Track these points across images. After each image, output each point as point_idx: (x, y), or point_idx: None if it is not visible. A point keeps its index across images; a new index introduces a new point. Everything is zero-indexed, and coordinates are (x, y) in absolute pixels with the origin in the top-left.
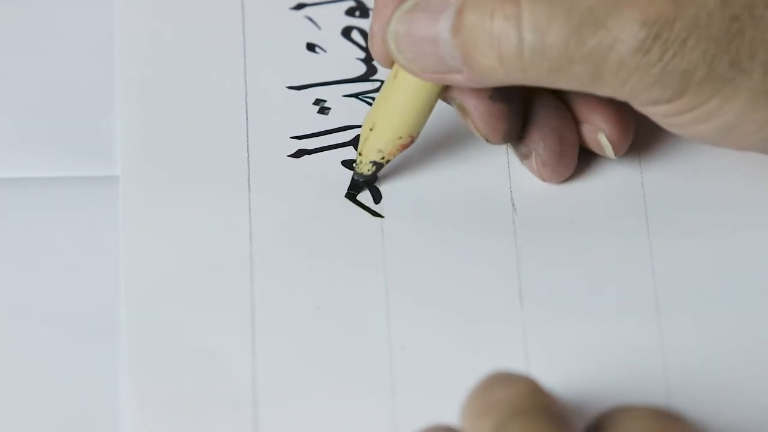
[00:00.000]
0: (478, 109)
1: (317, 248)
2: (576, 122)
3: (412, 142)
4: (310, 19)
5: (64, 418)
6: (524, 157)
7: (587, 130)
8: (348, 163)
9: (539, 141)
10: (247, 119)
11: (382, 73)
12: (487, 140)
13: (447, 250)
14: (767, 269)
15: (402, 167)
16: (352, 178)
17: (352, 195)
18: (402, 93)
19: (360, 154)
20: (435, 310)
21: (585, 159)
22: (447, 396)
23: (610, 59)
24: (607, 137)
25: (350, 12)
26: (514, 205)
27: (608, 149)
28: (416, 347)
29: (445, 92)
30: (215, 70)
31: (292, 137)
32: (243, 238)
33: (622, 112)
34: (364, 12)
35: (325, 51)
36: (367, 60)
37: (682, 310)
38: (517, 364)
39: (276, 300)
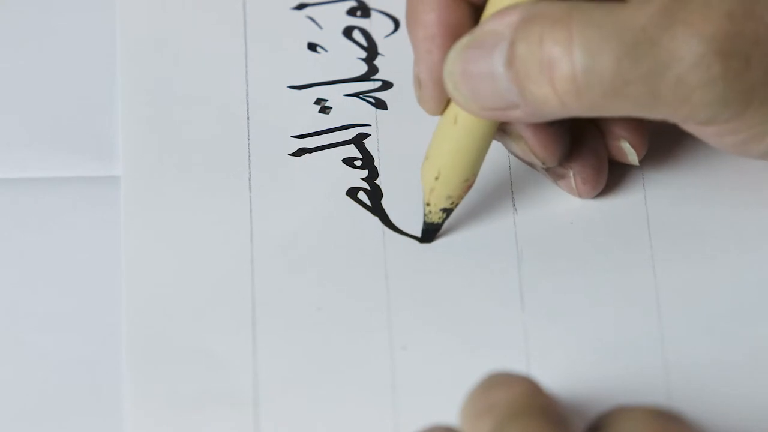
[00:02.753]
0: (535, 134)
1: (318, 247)
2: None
3: (474, 180)
4: (311, 18)
5: (64, 418)
6: (559, 177)
7: (609, 140)
8: (349, 161)
9: (577, 160)
10: (248, 118)
11: (382, 72)
12: (543, 164)
13: (448, 251)
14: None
15: (403, 167)
16: (424, 229)
17: (425, 241)
18: (464, 137)
19: (428, 204)
20: (436, 311)
21: None
22: (447, 396)
23: (668, 77)
24: (629, 143)
25: (351, 12)
26: (515, 206)
27: (632, 156)
28: (417, 347)
29: (506, 134)
30: (217, 71)
31: (293, 136)
32: (244, 237)
33: (637, 118)
34: (365, 12)
35: (326, 50)
36: (368, 59)
37: (682, 311)
38: (518, 364)
39: (277, 300)
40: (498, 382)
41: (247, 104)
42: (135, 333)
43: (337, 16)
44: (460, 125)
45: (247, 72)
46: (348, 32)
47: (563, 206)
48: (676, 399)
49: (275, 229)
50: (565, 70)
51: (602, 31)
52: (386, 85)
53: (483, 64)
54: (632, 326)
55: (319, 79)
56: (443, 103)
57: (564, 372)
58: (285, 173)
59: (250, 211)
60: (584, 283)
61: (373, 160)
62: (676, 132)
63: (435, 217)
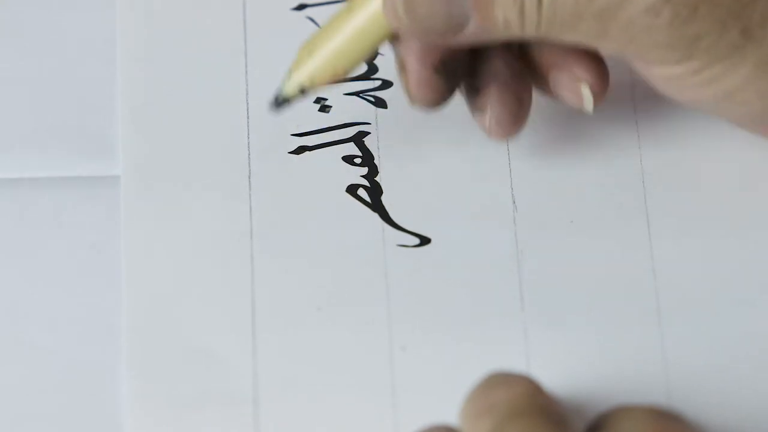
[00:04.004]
0: (416, 73)
1: (318, 246)
2: (543, 76)
3: (343, 76)
4: (311, 19)
5: (64, 418)
6: (477, 109)
7: (565, 80)
8: (349, 159)
9: (498, 99)
10: (248, 117)
11: (383, 71)
12: (411, 103)
13: (448, 250)
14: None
15: (404, 165)
16: (275, 96)
17: (272, 110)
18: (350, 26)
19: (290, 72)
20: (435, 310)
21: (585, 158)
22: (447, 396)
23: (620, 18)
24: (590, 88)
25: None
26: (515, 203)
27: (588, 101)
28: (416, 347)
29: (393, 43)
30: (216, 70)
31: (293, 134)
32: (244, 236)
33: (603, 64)
34: None
35: None
36: (368, 59)
37: (683, 310)
38: (518, 364)
39: (276, 299)
40: (498, 381)
41: (247, 104)
42: (135, 333)
43: None
44: (351, 12)
45: (247, 72)
46: None
47: (563, 205)
48: (675, 399)
49: (275, 227)
50: (534, 1)
51: None
52: (386, 84)
53: None
54: (632, 326)
55: None
56: None
57: (564, 372)
58: (285, 171)
59: (250, 209)
60: (584, 282)
61: (373, 158)
62: (677, 133)
63: (290, 90)
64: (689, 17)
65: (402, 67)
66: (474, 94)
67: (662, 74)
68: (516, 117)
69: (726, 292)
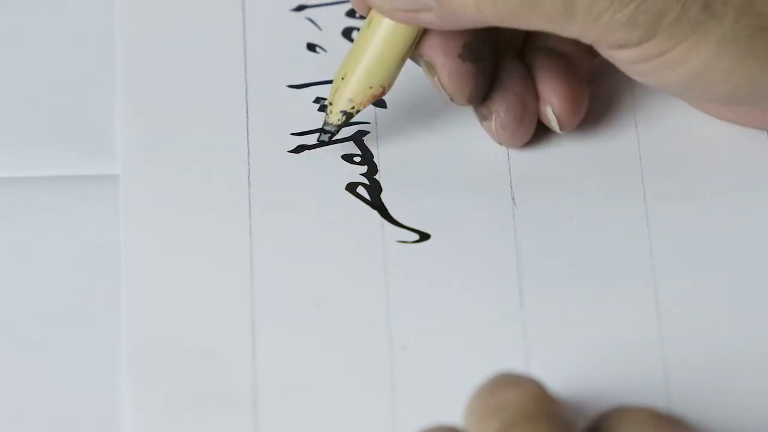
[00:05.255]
0: (446, 66)
1: (317, 245)
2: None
3: (383, 93)
4: (310, 20)
5: (64, 418)
6: (483, 118)
7: (540, 103)
8: (348, 157)
9: (502, 104)
10: (247, 117)
11: None
12: (452, 99)
13: (447, 248)
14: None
15: (403, 159)
16: (322, 128)
17: (322, 143)
18: (374, 41)
19: (331, 104)
20: (435, 309)
21: (585, 156)
22: (447, 396)
23: None
24: (553, 111)
25: (351, 13)
26: (514, 200)
27: (554, 122)
28: (416, 347)
29: (414, 50)
30: (216, 69)
31: (292, 134)
32: (243, 235)
33: (573, 89)
34: None
35: (325, 51)
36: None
37: (683, 310)
38: (517, 363)
39: (276, 298)
40: (505, 382)
41: (247, 103)
42: (135, 333)
43: (336, 18)
44: (372, 29)
45: (246, 72)
46: (347, 33)
47: (563, 201)
48: (675, 399)
49: (274, 226)
50: None
51: None
52: None
53: None
54: (632, 325)
55: (319, 79)
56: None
57: (563, 371)
58: (284, 170)
59: (250, 208)
60: (584, 281)
61: (372, 156)
62: (677, 134)
63: (334, 119)
64: None
65: (430, 68)
66: (480, 103)
67: (627, 57)
68: (521, 121)
69: (726, 291)
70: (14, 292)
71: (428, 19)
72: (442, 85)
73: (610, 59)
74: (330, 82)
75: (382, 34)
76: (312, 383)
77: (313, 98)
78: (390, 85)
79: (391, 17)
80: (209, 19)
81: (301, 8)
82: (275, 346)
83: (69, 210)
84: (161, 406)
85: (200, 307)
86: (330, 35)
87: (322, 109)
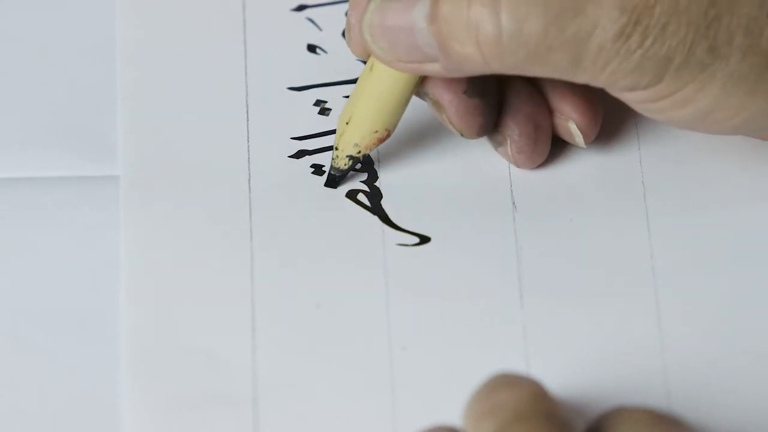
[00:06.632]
0: (453, 104)
1: (317, 248)
2: (549, 110)
3: (388, 135)
4: (311, 20)
5: (64, 418)
6: (498, 144)
7: (557, 119)
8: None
9: (514, 128)
10: (247, 120)
11: None
12: (462, 135)
13: (447, 249)
14: None
15: (402, 165)
16: (329, 173)
17: (330, 188)
18: (378, 86)
19: (336, 149)
20: (435, 310)
21: (585, 158)
22: (447, 396)
23: (590, 46)
24: (577, 126)
25: None
26: (514, 203)
27: (579, 138)
28: (416, 347)
29: (419, 87)
30: (216, 71)
31: (292, 138)
32: (243, 238)
33: (590, 101)
34: None
35: (325, 52)
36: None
37: (682, 311)
38: (517, 363)
39: (276, 299)
40: (503, 383)
41: (247, 106)
42: (135, 333)
43: (336, 18)
44: (375, 74)
45: (246, 73)
46: None
47: (563, 204)
48: (675, 399)
49: (275, 229)
50: (490, 33)
51: None
52: None
53: (402, 17)
54: (632, 326)
55: (319, 81)
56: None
57: (563, 372)
58: (284, 174)
59: (250, 211)
60: (584, 281)
61: (372, 163)
62: (678, 135)
63: (341, 163)
64: (659, 37)
65: (438, 106)
66: (493, 130)
67: (636, 98)
68: (537, 142)
69: (726, 291)
70: (14, 292)
71: (433, 69)
72: (451, 122)
73: (620, 98)
74: (330, 84)
75: (386, 78)
76: (312, 383)
77: (314, 101)
78: (394, 127)
79: (395, 68)
80: (209, 20)
81: (301, 8)
82: (275, 347)
83: (69, 211)
84: (161, 406)
85: (200, 307)
86: (330, 36)
87: (323, 112)
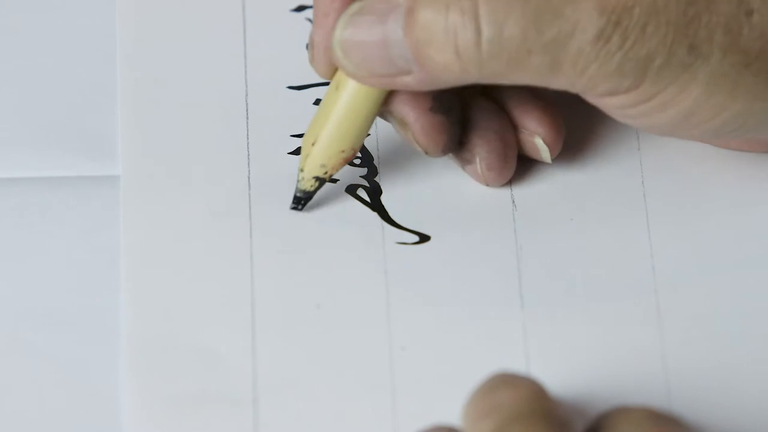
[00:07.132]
0: (419, 121)
1: (317, 247)
2: (514, 126)
3: (354, 154)
4: (311, 21)
5: (64, 418)
6: (466, 162)
7: (522, 135)
8: None
9: (483, 145)
10: (247, 118)
11: None
12: (426, 153)
13: (447, 249)
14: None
15: (402, 165)
16: (295, 195)
17: (295, 209)
18: (345, 105)
19: (302, 170)
20: (435, 310)
21: (585, 157)
22: (447, 396)
23: (570, 48)
24: (543, 140)
25: None
26: (514, 203)
27: (545, 153)
28: (416, 347)
29: (383, 107)
30: (216, 71)
31: (292, 135)
32: (243, 236)
33: (554, 115)
34: None
35: None
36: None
37: (682, 310)
38: (518, 363)
39: (276, 299)
40: (502, 382)
41: (247, 104)
42: (134, 333)
43: None
44: (341, 93)
45: (246, 73)
46: None
47: (563, 203)
48: (675, 399)
49: (274, 227)
50: (470, 39)
51: (509, 1)
52: None
53: (374, 31)
54: (631, 326)
55: (319, 80)
56: (333, 66)
57: (563, 371)
58: (284, 172)
59: (250, 209)
60: (584, 281)
61: (372, 159)
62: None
63: (307, 185)
64: (638, 39)
65: (402, 125)
66: (459, 149)
67: (615, 104)
68: (506, 158)
69: (726, 291)
70: (14, 292)
71: (406, 82)
72: (416, 140)
73: (598, 105)
74: (329, 83)
75: (351, 96)
76: (312, 383)
77: (314, 100)
78: (360, 146)
79: (366, 83)
80: (209, 20)
81: (301, 8)
82: (275, 346)
83: (69, 210)
84: (161, 405)
85: (200, 307)
86: None
87: None
